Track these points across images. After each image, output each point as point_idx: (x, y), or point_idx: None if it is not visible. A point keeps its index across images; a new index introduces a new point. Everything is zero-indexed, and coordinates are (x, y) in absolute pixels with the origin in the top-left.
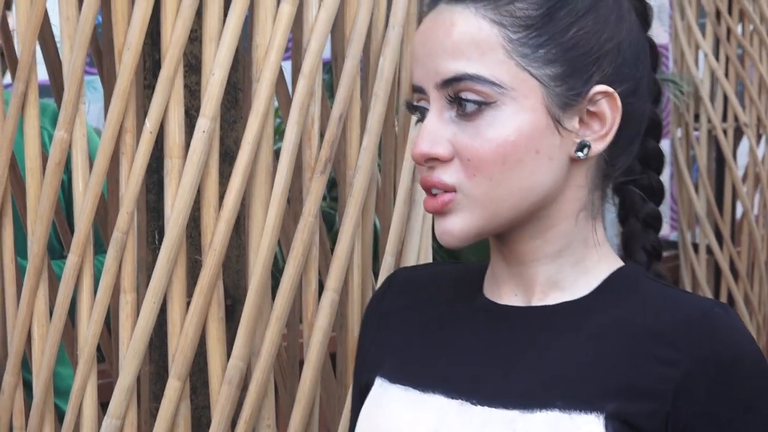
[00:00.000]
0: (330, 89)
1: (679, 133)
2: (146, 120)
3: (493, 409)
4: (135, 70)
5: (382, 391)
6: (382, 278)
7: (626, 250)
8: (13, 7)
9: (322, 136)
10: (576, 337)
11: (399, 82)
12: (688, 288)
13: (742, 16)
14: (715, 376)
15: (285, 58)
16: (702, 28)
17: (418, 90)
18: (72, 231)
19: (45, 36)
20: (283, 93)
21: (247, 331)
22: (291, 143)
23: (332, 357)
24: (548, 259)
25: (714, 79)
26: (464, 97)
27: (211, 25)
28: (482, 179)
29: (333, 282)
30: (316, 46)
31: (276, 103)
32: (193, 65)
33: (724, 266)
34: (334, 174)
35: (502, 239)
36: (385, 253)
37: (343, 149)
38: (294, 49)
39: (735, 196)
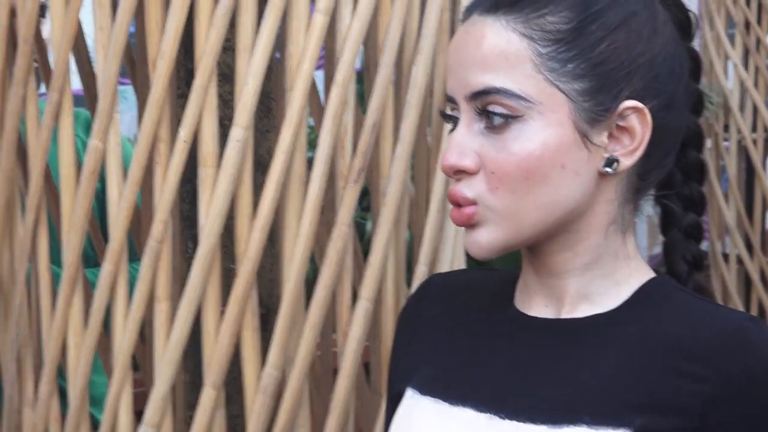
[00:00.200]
0: (362, 98)
1: (708, 143)
2: (180, 129)
3: (521, 424)
4: (169, 79)
5: (413, 402)
6: (415, 287)
7: (667, 261)
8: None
9: (355, 145)
10: (605, 350)
11: (432, 91)
12: (719, 298)
13: None
14: (745, 392)
15: (317, 68)
16: (731, 38)
17: (450, 100)
18: (106, 240)
19: (79, 46)
20: (315, 102)
21: (282, 340)
22: (324, 152)
23: (366, 366)
24: (578, 272)
25: (743, 90)
26: (492, 110)
27: (244, 34)
28: (505, 192)
29: (367, 291)
30: (350, 56)
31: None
32: (226, 74)
33: (755, 276)
34: (367, 183)
35: (532, 251)
36: (419, 262)
37: (376, 158)
38: (326, 59)
39: (765, 206)
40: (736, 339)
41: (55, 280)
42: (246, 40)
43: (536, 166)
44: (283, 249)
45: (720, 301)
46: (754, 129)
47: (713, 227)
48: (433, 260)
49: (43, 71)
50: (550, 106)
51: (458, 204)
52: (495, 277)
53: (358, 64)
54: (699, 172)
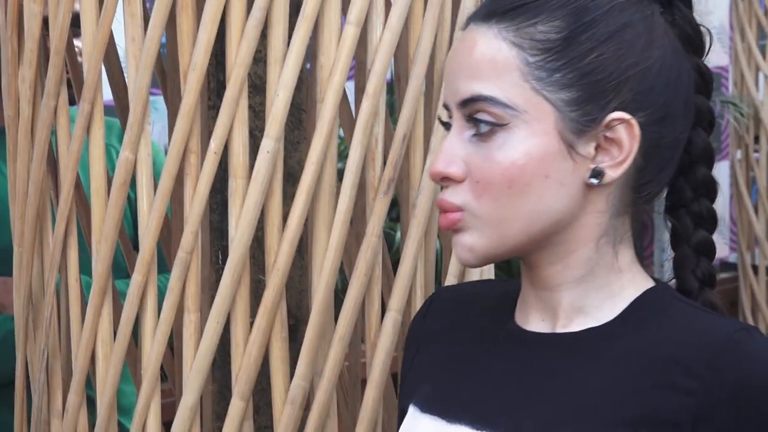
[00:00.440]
0: (393, 110)
1: (738, 154)
2: (211, 140)
3: None
4: (200, 90)
5: (414, 420)
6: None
7: (678, 277)
8: None
9: (385, 156)
10: (599, 364)
11: None
12: (748, 309)
13: None
14: (738, 403)
15: (347, 79)
16: (762, 49)
17: (446, 107)
18: (136, 248)
19: (110, 57)
20: (346, 113)
21: (310, 351)
22: (355, 163)
23: (394, 377)
24: (571, 285)
25: None
26: (479, 118)
27: (276, 46)
28: (489, 201)
29: (396, 302)
30: (381, 67)
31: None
32: (257, 86)
33: None
34: (397, 194)
35: (527, 264)
36: (448, 273)
37: (406, 170)
38: (357, 70)
39: None
40: (727, 350)
41: (85, 290)
42: (277, 51)
43: (519, 175)
44: (312, 260)
45: (749, 312)
46: None
47: (743, 238)
48: (463, 271)
49: (74, 82)
50: (536, 115)
51: (445, 210)
52: (501, 289)
53: (388, 76)
54: (709, 189)
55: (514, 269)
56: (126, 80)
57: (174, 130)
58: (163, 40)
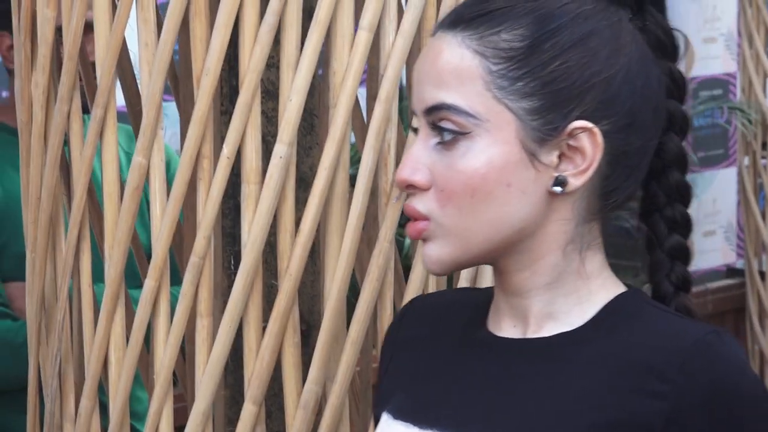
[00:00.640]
0: (404, 115)
1: (746, 161)
2: (224, 146)
3: None
4: (213, 96)
5: (386, 427)
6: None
7: (652, 281)
8: None
9: (397, 162)
10: (569, 369)
11: None
12: (755, 315)
13: None
14: (710, 406)
15: (359, 84)
16: None
17: (414, 114)
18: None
19: (123, 63)
20: (358, 119)
21: (323, 356)
22: (367, 169)
23: None
24: (540, 291)
25: None
26: (443, 126)
27: (289, 51)
28: (453, 209)
29: None
30: (393, 73)
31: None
32: (269, 91)
33: None
34: None
35: (497, 270)
36: (460, 278)
37: None
38: (369, 75)
39: None
40: (699, 353)
41: (97, 296)
42: (290, 56)
43: (481, 184)
44: (324, 265)
45: (756, 318)
46: None
47: (750, 245)
48: (475, 276)
49: (87, 88)
50: (498, 124)
51: (412, 218)
52: (474, 297)
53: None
54: (683, 194)
55: None
56: (138, 86)
57: (187, 136)
58: (175, 46)
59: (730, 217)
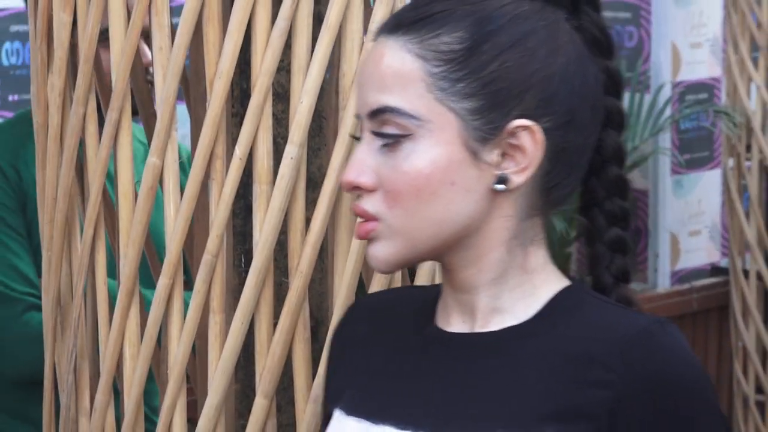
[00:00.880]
0: None
1: (731, 163)
2: (236, 147)
3: None
4: (225, 98)
5: (339, 423)
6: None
7: (592, 274)
8: None
9: None
10: (517, 361)
11: None
12: (738, 313)
13: None
14: (650, 396)
15: None
16: (754, 61)
17: (358, 118)
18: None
19: (135, 66)
20: None
21: None
22: None
23: None
24: (486, 287)
25: (766, 111)
26: (386, 129)
27: (300, 55)
28: (399, 210)
29: None
30: None
31: None
32: (279, 94)
33: None
34: None
35: (444, 267)
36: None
37: None
38: None
39: None
40: (639, 344)
41: (111, 294)
42: (301, 60)
43: (425, 184)
44: (334, 264)
45: (739, 315)
46: None
47: (734, 244)
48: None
49: (101, 91)
50: (440, 125)
51: (362, 218)
52: (422, 294)
53: None
54: (620, 188)
55: None
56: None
57: (200, 137)
58: None
59: (714, 218)
